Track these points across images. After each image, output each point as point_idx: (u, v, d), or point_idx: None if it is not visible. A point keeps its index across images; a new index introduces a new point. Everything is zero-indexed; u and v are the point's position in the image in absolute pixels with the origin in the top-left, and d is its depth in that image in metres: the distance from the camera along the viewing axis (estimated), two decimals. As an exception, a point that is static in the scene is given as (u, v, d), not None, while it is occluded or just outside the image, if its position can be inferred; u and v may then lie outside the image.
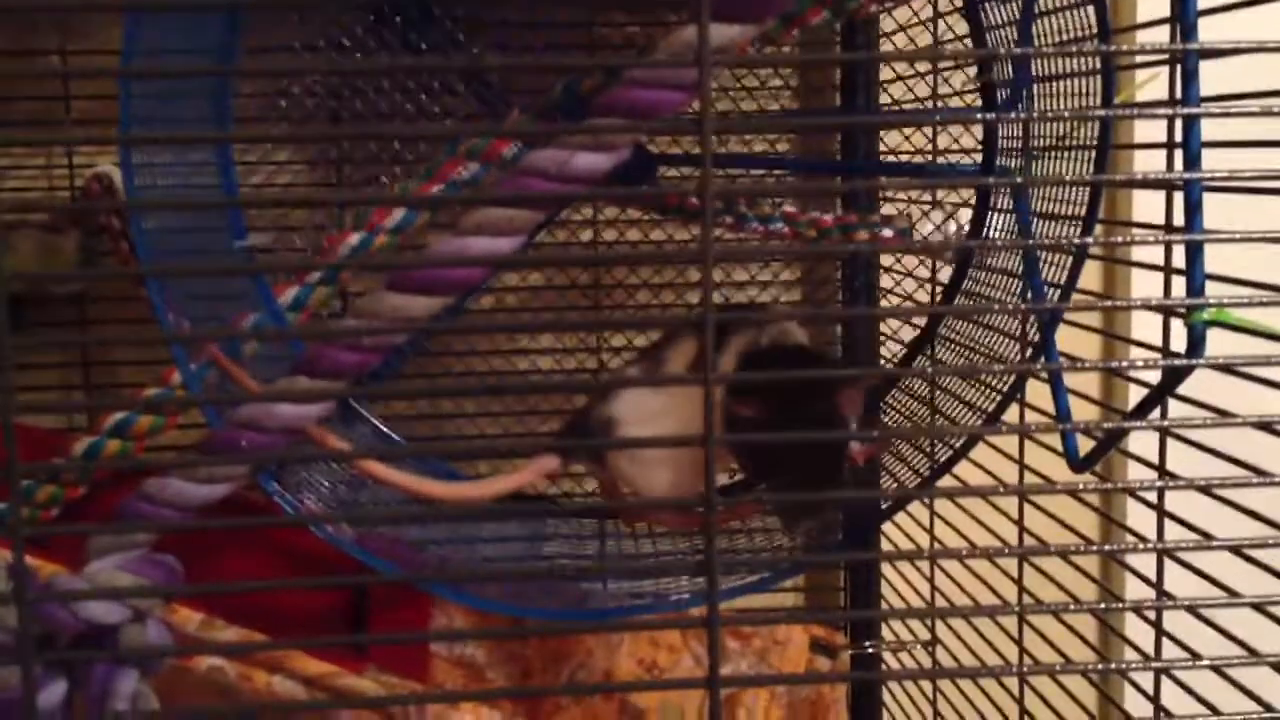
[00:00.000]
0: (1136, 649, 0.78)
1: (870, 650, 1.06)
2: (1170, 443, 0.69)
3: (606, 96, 0.51)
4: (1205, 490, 0.57)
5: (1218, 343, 0.57)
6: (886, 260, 1.04)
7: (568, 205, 1.01)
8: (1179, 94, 0.60)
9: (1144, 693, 0.69)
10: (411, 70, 0.94)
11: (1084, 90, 0.74)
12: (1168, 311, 0.65)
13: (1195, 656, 0.53)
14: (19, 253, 0.92)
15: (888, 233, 0.88)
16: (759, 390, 0.68)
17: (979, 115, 0.87)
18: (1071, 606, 0.73)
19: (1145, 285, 1.09)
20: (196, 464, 0.56)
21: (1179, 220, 0.62)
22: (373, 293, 0.57)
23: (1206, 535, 0.63)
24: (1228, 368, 0.52)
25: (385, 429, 0.92)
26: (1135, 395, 0.65)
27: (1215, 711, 0.60)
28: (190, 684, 0.68)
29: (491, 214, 0.55)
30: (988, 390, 0.80)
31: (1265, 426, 0.51)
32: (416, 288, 0.56)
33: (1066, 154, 0.77)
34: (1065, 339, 0.76)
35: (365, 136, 1.01)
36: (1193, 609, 0.55)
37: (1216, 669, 0.56)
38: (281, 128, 1.02)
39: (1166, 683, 0.67)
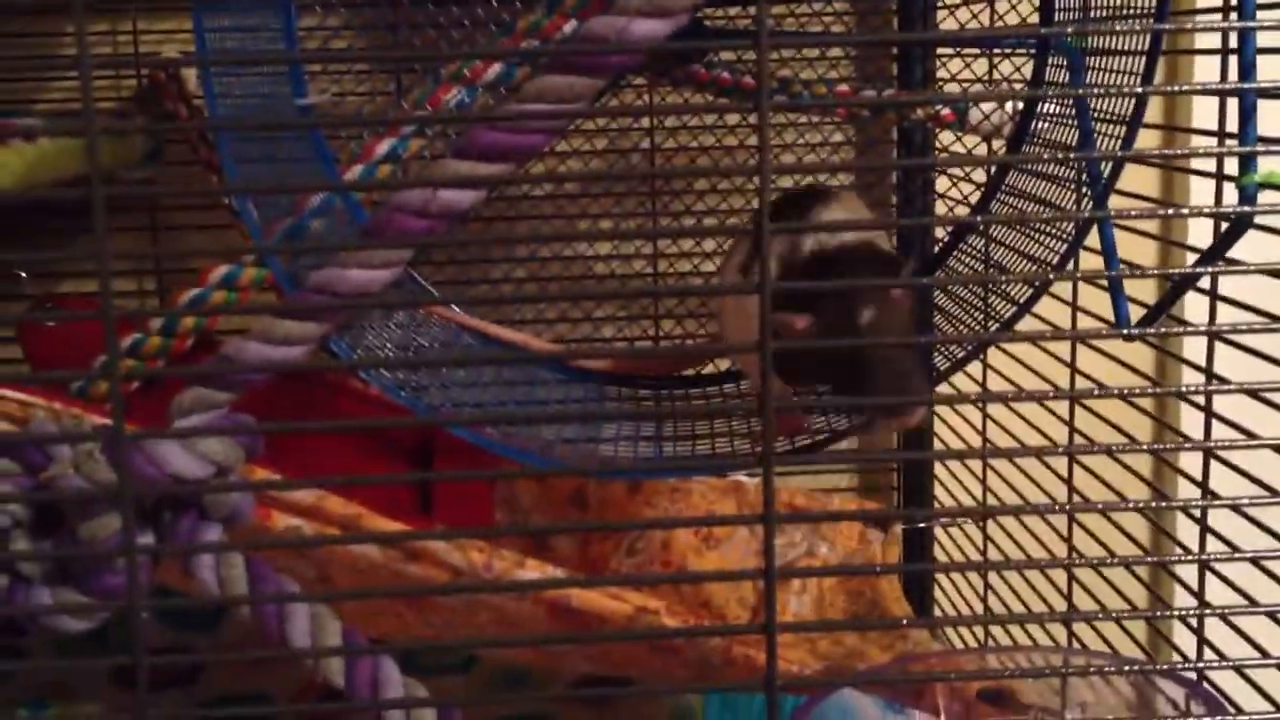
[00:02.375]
0: (1182, 547, 0.79)
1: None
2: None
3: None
4: (1243, 346, 0.58)
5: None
6: (945, 140, 1.04)
7: (624, 74, 1.02)
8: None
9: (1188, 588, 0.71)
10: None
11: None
12: (1219, 175, 0.66)
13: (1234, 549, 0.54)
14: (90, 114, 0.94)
15: (945, 111, 0.89)
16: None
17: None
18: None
19: (1202, 194, 1.09)
20: (279, 311, 0.58)
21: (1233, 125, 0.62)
22: (437, 160, 0.58)
23: (1251, 435, 0.64)
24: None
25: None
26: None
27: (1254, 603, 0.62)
28: (270, 541, 0.72)
29: (551, 81, 0.56)
30: (1045, 251, 0.81)
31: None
32: (479, 154, 0.57)
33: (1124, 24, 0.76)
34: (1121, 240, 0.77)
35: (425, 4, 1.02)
36: (1236, 507, 0.56)
37: (1257, 562, 0.57)
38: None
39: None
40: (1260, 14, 0.58)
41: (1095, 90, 0.79)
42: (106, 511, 0.52)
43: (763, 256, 0.43)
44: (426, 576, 0.73)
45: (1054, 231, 0.80)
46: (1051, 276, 0.72)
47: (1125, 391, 0.46)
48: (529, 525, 0.99)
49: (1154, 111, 1.00)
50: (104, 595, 0.54)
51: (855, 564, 1.02)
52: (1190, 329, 0.66)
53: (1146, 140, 1.03)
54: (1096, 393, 0.47)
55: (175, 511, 0.58)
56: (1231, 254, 0.62)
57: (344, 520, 0.71)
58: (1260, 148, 0.54)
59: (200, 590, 0.55)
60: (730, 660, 0.72)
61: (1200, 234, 0.78)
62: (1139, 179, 1.00)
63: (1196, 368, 0.71)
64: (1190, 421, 0.93)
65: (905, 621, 0.71)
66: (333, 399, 0.96)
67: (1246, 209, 0.53)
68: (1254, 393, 0.54)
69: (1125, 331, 0.46)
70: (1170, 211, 0.48)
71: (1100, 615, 0.56)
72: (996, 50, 0.95)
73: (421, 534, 0.75)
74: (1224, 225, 0.61)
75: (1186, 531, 0.77)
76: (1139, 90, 0.74)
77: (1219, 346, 0.67)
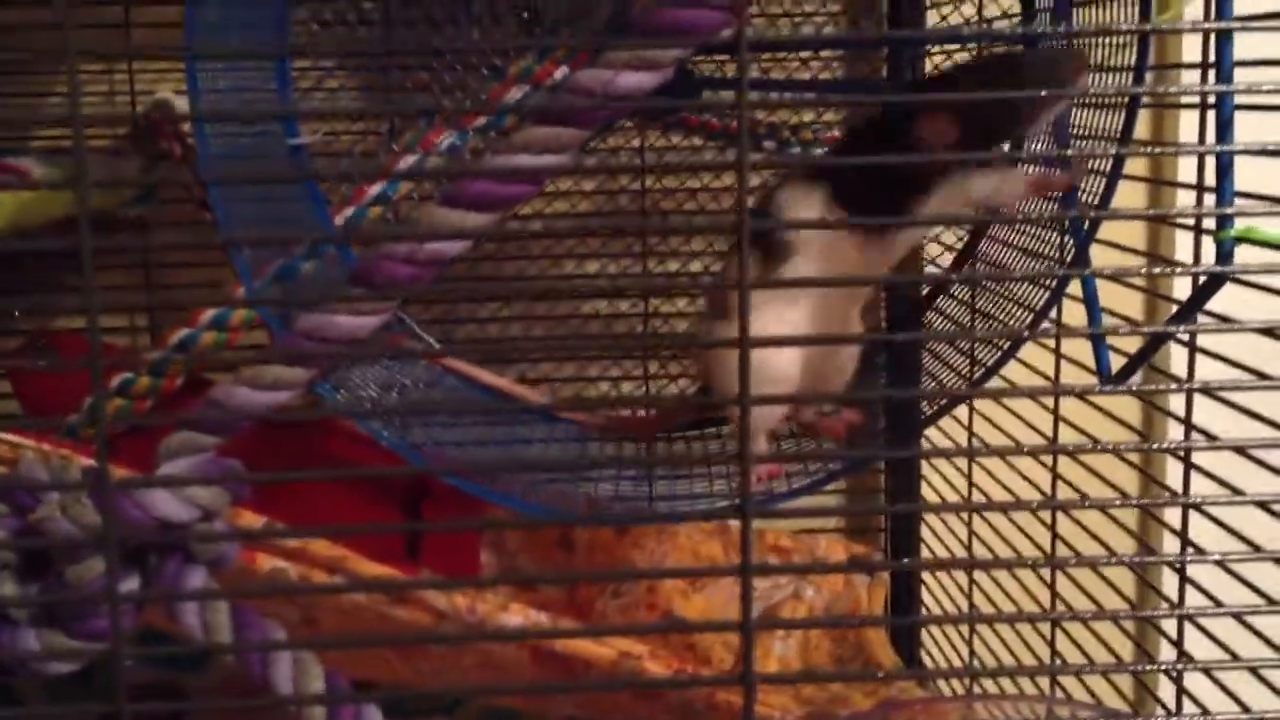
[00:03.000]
0: (1165, 599, 0.79)
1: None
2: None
3: (647, 16, 0.53)
4: (1220, 398, 0.58)
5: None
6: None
7: (612, 123, 1.03)
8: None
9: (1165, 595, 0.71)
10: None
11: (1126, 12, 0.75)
12: (1198, 229, 0.67)
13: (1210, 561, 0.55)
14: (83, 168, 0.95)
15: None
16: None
17: (1017, 32, 0.88)
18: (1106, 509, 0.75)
19: (1186, 244, 1.10)
20: (266, 360, 0.58)
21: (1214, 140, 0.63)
22: (425, 208, 0.59)
23: (1234, 490, 0.64)
24: (1250, 282, 0.54)
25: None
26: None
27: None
28: (254, 586, 0.72)
29: (539, 132, 0.57)
30: (1021, 310, 0.82)
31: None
32: (466, 203, 0.58)
33: (1109, 75, 0.77)
34: (1104, 261, 0.78)
35: (417, 53, 1.03)
36: (1197, 505, 0.56)
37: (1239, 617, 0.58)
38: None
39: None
40: (1237, 72, 0.59)
41: (1072, 153, 0.79)
42: (92, 555, 0.53)
43: (741, 252, 0.43)
44: (412, 619, 0.73)
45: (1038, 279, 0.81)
46: (1026, 335, 0.72)
47: (1105, 446, 0.46)
48: (512, 574, 1.00)
49: (1140, 162, 1.01)
50: (89, 638, 0.54)
51: (840, 605, 1.02)
52: (1162, 386, 0.67)
53: (1131, 192, 1.04)
54: (1073, 447, 0.47)
55: (161, 554, 0.58)
56: (1217, 306, 0.63)
57: (330, 563, 0.71)
58: (1231, 209, 0.55)
59: (185, 633, 0.55)
60: (713, 705, 0.72)
61: (1185, 284, 0.78)
62: (1124, 228, 1.01)
63: (1178, 419, 0.71)
64: (1175, 470, 0.93)
65: (880, 675, 0.71)
66: (323, 438, 0.96)
67: (1217, 268, 0.54)
68: (1238, 449, 0.54)
69: (1097, 389, 0.47)
70: (1143, 269, 0.49)
71: (1081, 669, 0.56)
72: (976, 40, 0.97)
73: (409, 582, 0.76)
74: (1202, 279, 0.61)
75: (1171, 583, 0.77)
76: (1114, 152, 0.75)
77: (1207, 399, 0.67)
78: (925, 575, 1.15)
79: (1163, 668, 0.56)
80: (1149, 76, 0.72)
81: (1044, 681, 0.90)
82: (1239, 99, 0.58)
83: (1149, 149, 0.76)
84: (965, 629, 1.05)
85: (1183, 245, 1.12)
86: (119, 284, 1.07)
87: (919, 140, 0.72)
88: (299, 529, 0.62)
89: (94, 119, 1.05)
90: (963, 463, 1.06)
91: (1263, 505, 0.55)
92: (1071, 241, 0.76)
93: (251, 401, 0.62)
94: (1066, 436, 0.87)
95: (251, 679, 0.55)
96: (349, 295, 0.55)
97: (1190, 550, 0.71)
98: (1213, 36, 0.61)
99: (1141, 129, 1.10)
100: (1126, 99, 0.72)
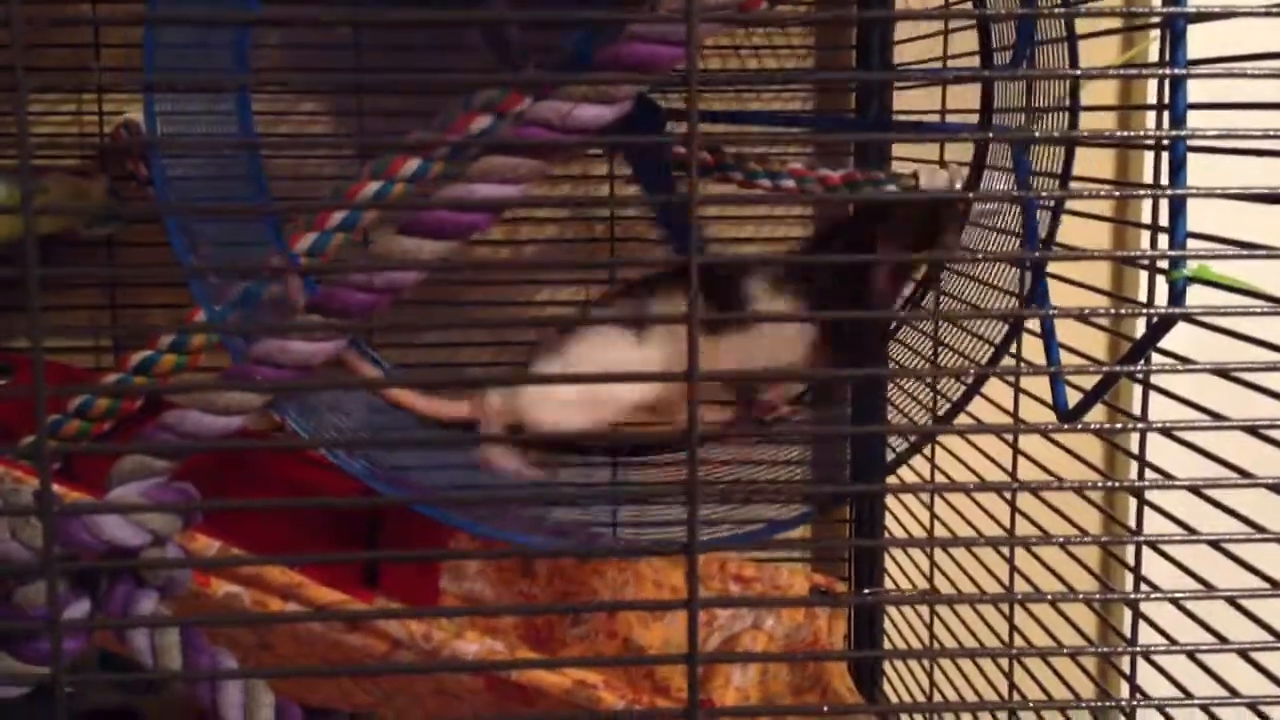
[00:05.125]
0: (1120, 635, 0.79)
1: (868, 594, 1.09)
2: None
3: (606, 51, 0.53)
4: (1176, 437, 0.59)
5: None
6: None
7: (570, 154, 1.04)
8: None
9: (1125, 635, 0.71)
10: (429, 24, 0.96)
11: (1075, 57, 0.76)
12: (1152, 269, 0.67)
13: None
14: (48, 195, 0.95)
15: (891, 188, 0.90)
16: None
17: (971, 72, 0.89)
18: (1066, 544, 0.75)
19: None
20: (218, 388, 0.58)
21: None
22: (384, 236, 0.59)
23: (1189, 529, 0.65)
24: (1202, 322, 0.54)
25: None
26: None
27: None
28: (207, 610, 0.71)
29: (497, 162, 0.57)
30: (984, 345, 0.83)
31: (1242, 380, 0.53)
32: (425, 231, 0.58)
33: (1065, 115, 0.78)
34: (1069, 298, 0.78)
35: (384, 87, 1.03)
36: (1151, 543, 0.57)
37: (1181, 604, 0.58)
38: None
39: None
40: (1190, 115, 0.59)
41: (1033, 194, 0.80)
42: (39, 578, 0.52)
43: (692, 287, 0.43)
44: (366, 645, 0.73)
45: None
46: (989, 371, 0.73)
47: (1064, 483, 0.47)
48: (468, 607, 1.00)
49: (1105, 201, 1.02)
50: (37, 662, 0.54)
51: (801, 635, 1.02)
52: (1117, 425, 0.67)
53: (1096, 231, 1.05)
54: (1034, 485, 0.47)
55: (111, 578, 0.58)
56: (1178, 346, 0.64)
57: (284, 589, 0.71)
58: (1181, 250, 0.55)
59: (135, 657, 0.55)
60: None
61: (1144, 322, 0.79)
62: (1088, 266, 1.02)
63: (1133, 457, 0.72)
64: (1134, 507, 0.94)
65: (826, 709, 0.71)
66: (276, 459, 0.96)
67: (1168, 309, 0.54)
68: (1194, 489, 0.54)
69: (1052, 427, 0.47)
70: (1093, 310, 0.49)
71: (1040, 704, 0.56)
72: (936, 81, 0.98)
73: (364, 613, 0.75)
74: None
75: (1129, 619, 0.78)
76: (1059, 193, 0.76)
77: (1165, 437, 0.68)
78: (888, 607, 1.16)
79: (1119, 704, 0.56)
80: (1112, 117, 0.72)
81: (1003, 716, 0.90)
82: (1193, 140, 0.59)
83: (1094, 191, 0.77)
84: (926, 660, 1.05)
85: (1144, 280, 1.13)
86: (82, 303, 1.07)
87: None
88: (253, 557, 0.61)
89: (57, 141, 1.05)
90: (926, 497, 1.07)
91: (1214, 544, 0.56)
92: (1030, 277, 0.77)
93: (205, 425, 0.62)
94: (1026, 470, 0.87)
95: (200, 704, 0.55)
96: (306, 325, 0.55)
97: (1145, 587, 0.71)
98: (1166, 80, 0.61)
99: (1106, 168, 1.12)
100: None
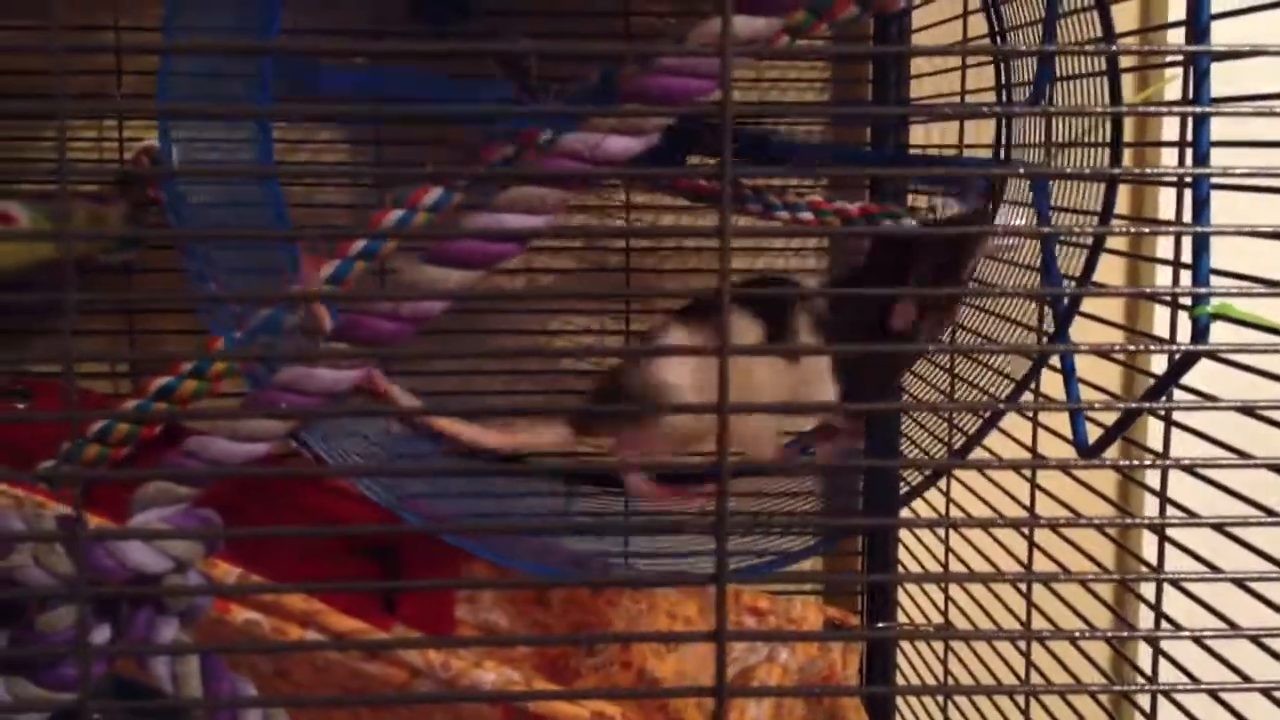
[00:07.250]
0: (1140, 672, 0.79)
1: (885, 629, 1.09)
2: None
3: (635, 83, 0.54)
4: (1198, 473, 0.59)
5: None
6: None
7: (598, 185, 1.04)
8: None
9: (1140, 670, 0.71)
10: (448, 55, 0.97)
11: (1098, 91, 0.76)
12: (1174, 305, 0.67)
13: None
14: (68, 221, 0.95)
15: (910, 222, 0.90)
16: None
17: (986, 108, 0.89)
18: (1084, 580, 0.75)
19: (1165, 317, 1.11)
20: (243, 416, 0.58)
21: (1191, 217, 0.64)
22: (407, 265, 0.59)
23: (1212, 567, 0.65)
24: (1225, 359, 0.55)
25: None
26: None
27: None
28: (227, 636, 0.71)
29: (524, 192, 0.57)
30: (1001, 379, 0.82)
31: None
32: (451, 261, 0.58)
33: (1084, 151, 0.79)
34: (1084, 333, 0.79)
35: (405, 117, 1.04)
36: (1172, 581, 0.56)
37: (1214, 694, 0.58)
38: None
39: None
40: (1214, 153, 0.60)
41: (1052, 230, 0.81)
42: (63, 604, 0.52)
43: (724, 317, 0.43)
44: (384, 674, 0.72)
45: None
46: (1003, 406, 0.73)
47: (1083, 519, 0.47)
48: (485, 637, 0.99)
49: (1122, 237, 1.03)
50: (58, 687, 0.54)
51: (815, 669, 1.02)
52: (1137, 461, 0.67)
53: (1113, 266, 1.05)
54: (1051, 521, 0.47)
55: (133, 604, 0.58)
56: (1200, 382, 0.64)
57: (303, 616, 0.71)
58: (1204, 288, 0.55)
59: (155, 683, 0.55)
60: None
61: (1164, 358, 0.79)
62: (1106, 301, 1.02)
63: (1154, 493, 0.72)
64: (1152, 542, 0.94)
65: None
66: (300, 488, 0.96)
67: (1190, 346, 0.54)
68: (1217, 526, 0.54)
69: (1072, 463, 0.47)
70: (1115, 347, 0.49)
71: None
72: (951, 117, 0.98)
73: (384, 641, 0.75)
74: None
75: (1147, 655, 0.77)
76: (1091, 230, 0.76)
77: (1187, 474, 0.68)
78: (901, 642, 1.15)
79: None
80: (1128, 154, 0.73)
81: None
82: (1216, 179, 0.59)
83: (1124, 228, 0.77)
84: (941, 696, 1.05)
85: (1162, 316, 1.13)
86: (100, 329, 1.07)
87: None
88: (273, 585, 0.61)
89: (83, 170, 1.05)
90: (941, 531, 1.07)
91: (1237, 582, 0.55)
92: (1051, 314, 0.77)
93: (229, 452, 0.62)
94: (1044, 505, 0.87)
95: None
96: (332, 352, 0.55)
97: (1165, 625, 0.71)
98: (1190, 118, 0.62)
99: (1122, 204, 1.12)
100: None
